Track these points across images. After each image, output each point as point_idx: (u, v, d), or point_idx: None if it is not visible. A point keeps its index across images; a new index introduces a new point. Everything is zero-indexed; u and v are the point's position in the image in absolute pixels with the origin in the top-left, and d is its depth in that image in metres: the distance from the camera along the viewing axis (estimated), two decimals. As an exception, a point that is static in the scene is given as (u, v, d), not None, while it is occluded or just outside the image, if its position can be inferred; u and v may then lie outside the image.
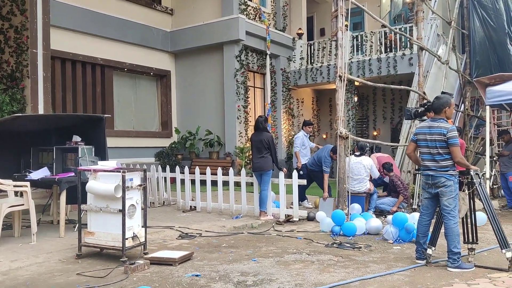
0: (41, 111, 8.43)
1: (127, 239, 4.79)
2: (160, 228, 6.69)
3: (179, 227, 6.79)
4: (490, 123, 9.41)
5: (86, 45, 12.43)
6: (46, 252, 5.20)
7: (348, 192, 7.22)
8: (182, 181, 8.63)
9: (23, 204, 5.79)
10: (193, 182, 8.48)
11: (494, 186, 9.91)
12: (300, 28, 16.52)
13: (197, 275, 4.36)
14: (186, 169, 8.64)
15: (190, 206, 8.50)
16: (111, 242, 4.87)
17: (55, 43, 10.14)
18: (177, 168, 8.85)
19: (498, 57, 12.11)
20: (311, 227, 6.99)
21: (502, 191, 9.76)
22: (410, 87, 10.80)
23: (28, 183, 5.89)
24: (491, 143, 10.15)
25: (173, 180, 9.08)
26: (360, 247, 5.56)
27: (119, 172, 4.80)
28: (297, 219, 7.36)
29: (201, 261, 4.95)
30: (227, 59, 13.93)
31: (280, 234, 6.46)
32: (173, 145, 14.68)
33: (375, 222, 6.48)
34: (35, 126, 6.94)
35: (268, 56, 14.69)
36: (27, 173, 6.60)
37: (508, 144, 8.79)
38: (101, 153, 6.83)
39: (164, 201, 9.22)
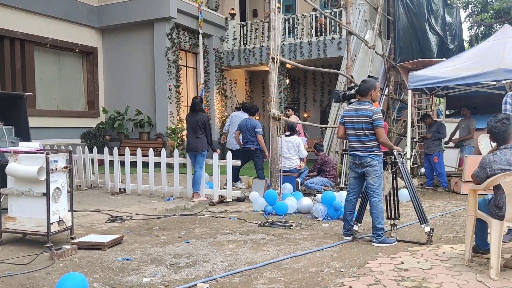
0: (-49, 87, 7.75)
1: (52, 223, 4.57)
2: (88, 211, 6.45)
3: (108, 210, 6.59)
4: (411, 106, 9.97)
5: (3, 17, 11.47)
6: (-40, 240, 4.84)
7: (280, 171, 7.37)
8: (111, 162, 8.34)
9: None
10: (122, 164, 8.22)
11: (414, 166, 10.57)
12: (232, 8, 16.39)
13: (128, 259, 4.26)
14: (115, 150, 8.35)
15: (120, 189, 8.26)
16: (35, 227, 4.62)
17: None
18: (106, 149, 8.53)
19: (419, 43, 12.82)
20: (244, 207, 7.07)
21: (421, 170, 10.44)
22: (339, 70, 11.14)
23: None
24: (412, 125, 10.77)
25: (101, 162, 8.75)
26: (291, 226, 5.72)
27: (43, 153, 4.54)
28: (231, 200, 7.41)
29: (132, 244, 4.85)
30: (157, 37, 13.52)
31: (214, 215, 6.47)
32: (100, 126, 14.09)
33: (305, 201, 6.69)
34: None
35: (200, 35, 14.44)
36: None
37: (430, 127, 9.36)
38: (23, 134, 6.44)
39: (91, 184, 8.87)
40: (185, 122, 7.98)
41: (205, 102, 13.91)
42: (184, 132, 9.20)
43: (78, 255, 4.40)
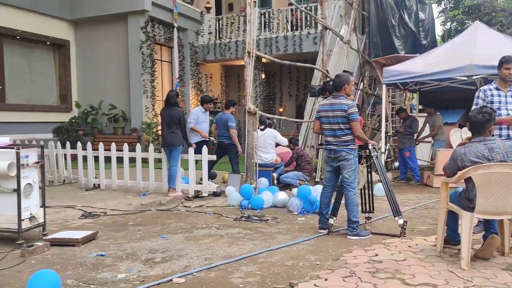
0: None
1: (23, 220, 4.45)
2: (61, 207, 6.32)
3: (81, 206, 6.47)
4: (385, 101, 10.12)
5: (-31, 7, 11.10)
6: None
7: (256, 165, 7.39)
8: (85, 158, 8.19)
9: None
10: (96, 159, 8.08)
11: (388, 160, 10.75)
12: (208, 2, 16.27)
13: (102, 255, 4.20)
14: (89, 144, 8.19)
15: (94, 184, 8.12)
16: (5, 224, 4.49)
17: None
18: (79, 144, 8.36)
19: (393, 39, 13.00)
20: (220, 202, 7.06)
21: (395, 164, 10.62)
22: (315, 65, 11.21)
23: None
24: (386, 120, 10.93)
25: (74, 158, 8.57)
26: (267, 220, 5.74)
27: (13, 148, 4.42)
28: (207, 195, 7.38)
29: (107, 240, 4.78)
30: (132, 30, 13.29)
31: (190, 210, 6.44)
32: (73, 120, 13.79)
33: (281, 195, 6.72)
34: None
35: (175, 29, 14.29)
36: None
37: (405, 121, 9.51)
38: (-9, 129, 6.23)
39: (64, 180, 8.70)
40: (160, 116, 7.87)
41: (180, 96, 13.79)
42: (159, 127, 9.07)
43: (51, 252, 4.31)
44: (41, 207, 4.81)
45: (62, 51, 13.89)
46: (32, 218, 4.61)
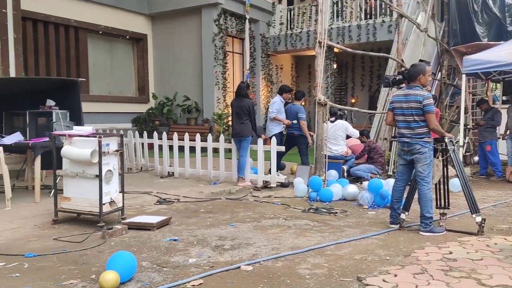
0: (12, 74, 8.16)
1: (104, 204, 4.76)
2: (138, 193, 6.68)
3: (157, 192, 6.79)
4: (465, 91, 9.54)
5: (58, 5, 11.95)
6: (21, 218, 5.14)
7: (325, 157, 7.31)
8: (160, 147, 8.58)
9: (-4, 170, 5.68)
10: (170, 148, 8.44)
11: (467, 154, 10.16)
12: (280, -8, 16.24)
13: (175, 240, 4.39)
14: (164, 134, 8.57)
15: (168, 172, 8.48)
16: (88, 208, 4.84)
17: (26, 3, 9.73)
18: (155, 134, 8.77)
19: (475, 26, 12.17)
20: (288, 193, 7.08)
21: (474, 159, 10.02)
22: (389, 54, 10.82)
23: (1, 148, 5.75)
24: (466, 112, 10.33)
25: (150, 146, 9.01)
26: (336, 212, 5.68)
27: (96, 137, 4.72)
28: (275, 185, 7.43)
29: (179, 226, 4.98)
30: (205, 23, 13.64)
31: (258, 200, 6.52)
32: (150, 111, 14.49)
33: (351, 188, 6.60)
34: (6, 89, 6.71)
35: (247, 21, 14.42)
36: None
37: (486, 113, 8.94)
38: (77, 118, 6.70)
39: (141, 167, 9.17)
40: (230, 107, 8.00)
41: (250, 88, 13.95)
42: (230, 118, 9.23)
43: (128, 235, 4.58)
44: (120, 192, 5.11)
45: (140, 44, 14.59)
46: (112, 202, 4.91)
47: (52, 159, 5.05)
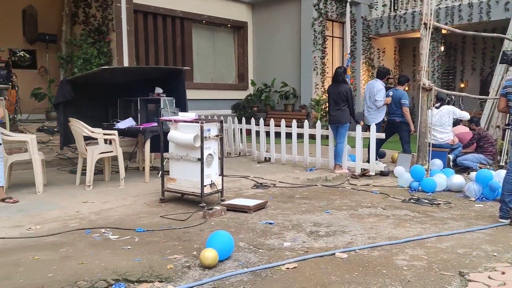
0: (125, 63, 8.85)
1: (205, 186, 5.03)
2: (236, 177, 6.92)
3: (254, 177, 6.98)
4: None
5: (166, -2, 12.66)
6: (132, 196, 5.62)
7: (429, 145, 6.93)
8: (257, 133, 8.78)
9: (112, 151, 6.25)
10: (267, 134, 8.59)
11: None
12: (384, -27, 15.52)
13: (270, 223, 4.50)
14: (261, 121, 8.74)
15: (265, 158, 8.66)
16: (191, 189, 5.14)
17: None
18: (253, 120, 8.99)
19: None
20: (387, 182, 6.85)
21: None
22: (505, 34, 9.86)
23: (116, 132, 6.31)
24: None
25: (248, 132, 9.26)
26: (439, 204, 5.38)
27: (198, 122, 4.98)
28: (374, 174, 7.23)
29: (275, 210, 5.08)
30: (305, 8, 13.55)
31: (355, 188, 6.41)
32: (249, 98, 14.84)
33: (457, 179, 6.19)
34: (120, 78, 7.30)
35: (348, 4, 14.02)
36: (115, 123, 7.05)
37: None
38: (181, 105, 7.09)
39: (240, 152, 9.47)
40: (327, 93, 7.86)
41: (349, 72, 13.60)
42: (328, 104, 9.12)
43: (227, 216, 4.79)
44: (219, 175, 5.35)
45: (240, 32, 14.95)
46: (212, 184, 5.16)
47: (160, 143, 5.43)
